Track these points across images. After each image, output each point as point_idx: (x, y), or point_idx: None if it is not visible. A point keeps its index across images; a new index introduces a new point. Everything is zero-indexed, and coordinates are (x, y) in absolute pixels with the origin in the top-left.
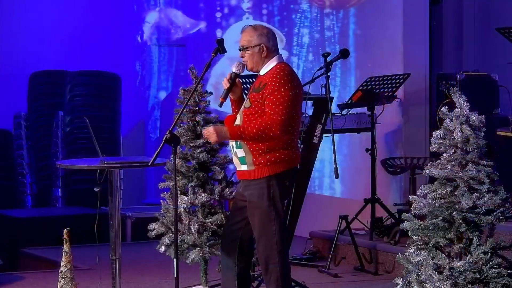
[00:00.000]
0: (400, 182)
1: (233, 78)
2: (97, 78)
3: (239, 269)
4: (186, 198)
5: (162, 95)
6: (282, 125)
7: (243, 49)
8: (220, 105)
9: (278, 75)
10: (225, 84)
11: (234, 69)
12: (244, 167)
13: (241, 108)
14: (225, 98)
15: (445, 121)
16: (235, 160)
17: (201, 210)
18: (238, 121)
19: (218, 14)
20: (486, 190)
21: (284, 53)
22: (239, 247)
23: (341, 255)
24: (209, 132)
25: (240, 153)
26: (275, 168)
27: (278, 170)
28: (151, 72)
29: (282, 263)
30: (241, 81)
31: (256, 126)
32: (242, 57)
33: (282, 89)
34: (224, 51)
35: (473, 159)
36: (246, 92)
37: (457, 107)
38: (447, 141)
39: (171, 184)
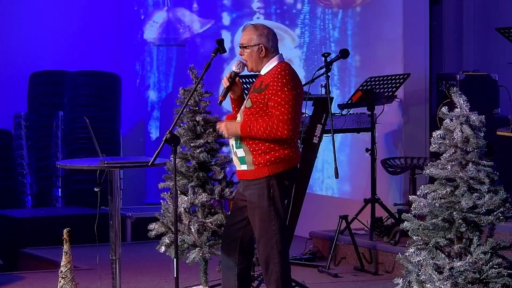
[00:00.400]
0: (400, 182)
1: (233, 77)
2: (97, 78)
3: (240, 269)
4: (186, 198)
5: (162, 95)
6: (290, 125)
7: (242, 47)
8: (220, 103)
9: (279, 75)
10: (225, 83)
11: (234, 68)
12: (244, 167)
13: (242, 107)
14: (224, 96)
15: (445, 121)
16: (235, 160)
17: (201, 210)
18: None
19: (225, 14)
20: (486, 190)
21: (297, 53)
22: (240, 247)
23: (341, 255)
24: (221, 127)
25: (240, 153)
26: (275, 168)
27: (278, 170)
28: (151, 72)
29: (282, 263)
30: (241, 81)
31: (264, 125)
32: (241, 55)
33: (286, 89)
34: (224, 51)
35: (473, 159)
36: (246, 92)
37: (457, 107)
38: (447, 141)
39: (171, 184)
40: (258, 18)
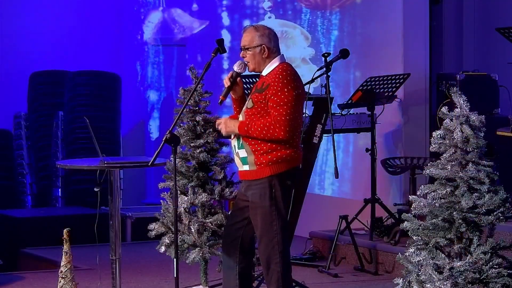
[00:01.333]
0: (400, 182)
1: (234, 77)
2: (97, 78)
3: (240, 269)
4: (186, 198)
5: (162, 95)
6: (286, 126)
7: (244, 49)
8: (220, 103)
9: (281, 75)
10: (226, 83)
11: (235, 68)
12: (246, 167)
13: (243, 108)
14: (225, 96)
15: (445, 121)
16: (236, 160)
17: (201, 210)
18: None
19: (224, 14)
20: (486, 190)
21: (310, 51)
22: (240, 247)
23: (341, 255)
24: (220, 123)
25: (242, 153)
26: (277, 168)
27: (280, 170)
28: (151, 72)
29: (283, 263)
30: (242, 80)
31: (261, 125)
32: (244, 57)
33: (286, 90)
34: (224, 51)
35: (473, 159)
36: (247, 92)
37: (457, 107)
38: (447, 141)
39: (171, 184)
40: (269, 17)
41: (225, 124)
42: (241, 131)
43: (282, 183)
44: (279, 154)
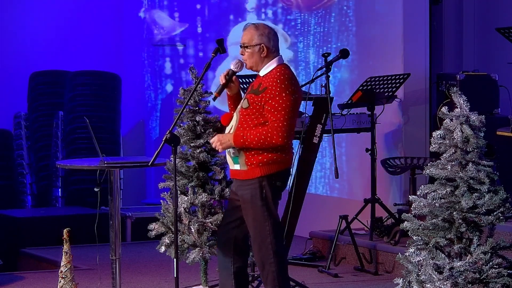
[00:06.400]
0: (400, 182)
1: (230, 75)
2: (97, 78)
3: (236, 269)
4: (186, 198)
5: (162, 95)
6: (284, 132)
7: (243, 47)
8: (214, 99)
9: (278, 79)
10: (222, 80)
11: (232, 67)
12: (237, 167)
13: (238, 107)
14: (219, 93)
15: (445, 121)
16: (228, 159)
17: (201, 210)
18: (234, 121)
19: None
20: (486, 190)
21: (289, 53)
22: (234, 247)
23: (341, 255)
24: (214, 142)
25: (233, 152)
26: (267, 169)
27: (270, 171)
28: (151, 72)
29: (278, 262)
30: (239, 80)
31: (258, 135)
32: (242, 54)
33: (284, 94)
34: (224, 51)
35: (473, 159)
36: (245, 91)
37: (457, 107)
38: (447, 141)
39: (171, 184)
40: (263, 19)
41: (220, 140)
42: (237, 143)
43: (272, 184)
44: (269, 155)
